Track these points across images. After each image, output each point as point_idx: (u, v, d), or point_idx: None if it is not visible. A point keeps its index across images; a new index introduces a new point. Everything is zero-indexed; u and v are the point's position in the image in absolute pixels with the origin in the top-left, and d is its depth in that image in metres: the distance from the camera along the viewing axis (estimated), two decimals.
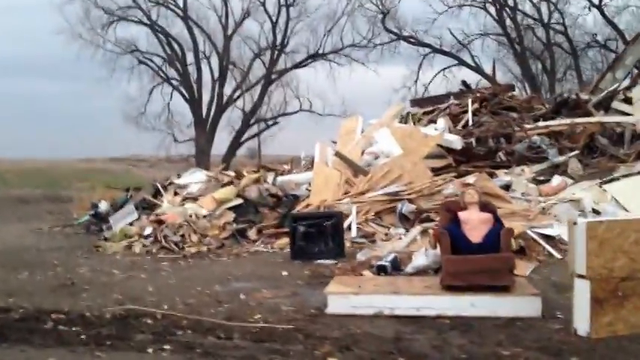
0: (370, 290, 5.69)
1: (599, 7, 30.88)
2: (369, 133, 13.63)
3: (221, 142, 34.35)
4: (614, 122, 11.95)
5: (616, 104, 12.52)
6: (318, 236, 9.04)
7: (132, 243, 10.96)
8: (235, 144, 34.81)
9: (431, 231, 5.95)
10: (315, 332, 5.09)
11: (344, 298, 5.61)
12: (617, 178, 10.31)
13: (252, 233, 11.27)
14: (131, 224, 12.29)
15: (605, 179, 10.32)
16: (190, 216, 11.57)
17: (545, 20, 32.98)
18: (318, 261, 8.70)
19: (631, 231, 4.78)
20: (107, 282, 7.74)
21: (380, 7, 32.79)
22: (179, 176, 15.33)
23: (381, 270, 7.37)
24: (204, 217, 11.74)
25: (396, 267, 7.53)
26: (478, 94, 14.47)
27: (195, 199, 12.89)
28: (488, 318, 5.31)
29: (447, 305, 5.42)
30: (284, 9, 33.47)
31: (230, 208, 12.06)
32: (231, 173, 14.03)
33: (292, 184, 13.19)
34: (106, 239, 11.63)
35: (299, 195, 12.39)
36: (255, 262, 9.10)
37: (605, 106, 12.65)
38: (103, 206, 14.27)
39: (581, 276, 4.76)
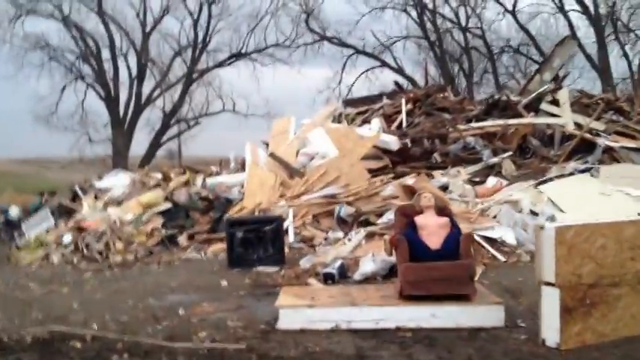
0: (325, 303, 5.30)
1: (513, 13, 31.96)
2: (302, 133, 13.25)
3: (139, 143, 33.04)
4: (544, 124, 12.15)
5: (545, 106, 12.75)
6: (258, 242, 8.56)
7: (49, 252, 10.06)
8: (155, 145, 33.55)
9: (386, 237, 5.65)
10: (270, 352, 4.64)
11: (297, 312, 5.19)
12: (552, 179, 10.43)
13: (182, 239, 10.64)
14: (47, 231, 11.34)
15: (540, 180, 10.41)
16: (114, 222, 10.77)
17: (464, 24, 33.80)
18: (258, 268, 8.22)
19: (598, 235, 4.63)
20: (24, 298, 6.96)
21: (303, 7, 32.55)
22: (100, 178, 14.39)
23: (328, 278, 7.00)
24: (130, 222, 10.98)
25: (343, 274, 7.18)
26: (411, 95, 14.41)
27: (118, 203, 12.06)
28: (450, 329, 5.04)
29: (407, 317, 5.11)
30: (205, 6, 32.59)
31: (158, 213, 11.35)
32: (158, 175, 13.25)
33: (223, 186, 12.61)
34: (18, 248, 10.65)
35: (232, 198, 11.84)
36: (189, 271, 8.51)
37: (534, 107, 12.87)
38: (14, 212, 13.12)
39: (549, 283, 4.57)
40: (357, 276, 7.05)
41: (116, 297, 6.89)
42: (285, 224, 10.13)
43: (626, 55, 31.64)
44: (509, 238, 8.72)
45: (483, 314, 5.11)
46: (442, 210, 5.76)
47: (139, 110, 32.79)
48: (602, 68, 29.93)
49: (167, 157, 36.59)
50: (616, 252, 4.69)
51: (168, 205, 11.42)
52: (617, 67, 31.42)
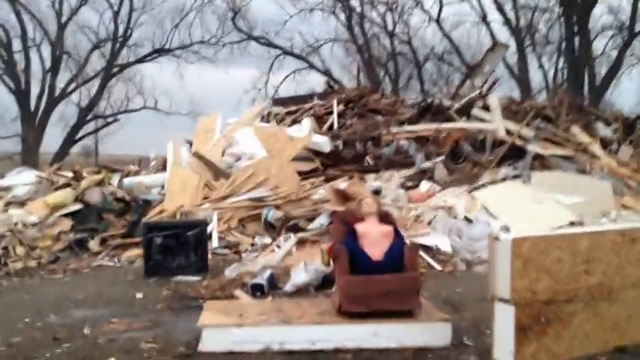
0: (255, 321, 4.68)
1: (437, 22, 32.41)
2: (229, 132, 12.55)
3: (52, 139, 31.05)
4: (476, 129, 12.03)
5: (476, 111, 12.65)
6: (178, 249, 7.82)
7: None
8: (69, 141, 31.65)
9: (323, 246, 5.12)
10: None
11: (223, 333, 4.55)
12: (484, 185, 10.25)
13: (94, 244, 9.71)
14: None
15: (473, 186, 10.21)
16: (16, 224, 9.69)
17: (391, 29, 33.97)
18: (178, 277, 7.50)
19: (553, 247, 4.27)
20: None
21: (230, 4, 31.68)
22: (2, 176, 13.10)
23: (256, 290, 6.39)
24: (34, 225, 9.93)
25: (273, 285, 6.60)
26: (343, 96, 14.00)
27: (22, 203, 10.93)
28: (393, 350, 4.55)
29: (346, 336, 4.57)
30: None
31: (67, 215, 10.34)
32: (68, 174, 12.17)
33: (142, 187, 11.73)
34: None
35: (151, 200, 10.99)
36: (99, 281, 7.67)
37: (466, 112, 12.75)
38: None
39: (503, 300, 4.16)
40: (288, 287, 6.48)
41: (10, 312, 6.00)
42: (209, 229, 9.43)
43: (542, 66, 32.77)
44: (445, 245, 8.41)
45: (429, 332, 4.65)
46: (385, 217, 5.28)
47: (52, 104, 30.86)
48: (521, 78, 30.80)
49: (83, 155, 34.74)
50: (570, 265, 4.35)
51: (78, 207, 10.43)
52: (535, 77, 32.47)
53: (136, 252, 8.97)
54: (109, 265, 8.79)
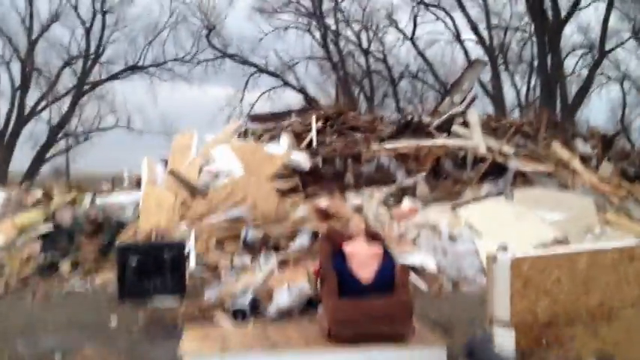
0: (240, 349, 4.41)
1: (412, 40, 32.67)
2: (206, 150, 12.25)
3: (21, 158, 30.32)
4: (456, 145, 11.93)
5: (456, 128, 12.57)
6: (154, 271, 7.48)
7: None
8: (39, 160, 30.97)
9: (310, 268, 4.87)
10: None
11: (206, 359, 4.27)
12: (468, 202, 10.12)
13: (65, 267, 9.30)
14: None
15: (456, 203, 10.07)
16: None
17: (366, 47, 34.11)
18: (155, 301, 7.16)
19: (553, 267, 4.11)
20: None
21: (205, 22, 31.50)
22: None
23: (238, 314, 6.10)
24: (1, 247, 9.51)
25: (256, 309, 6.32)
26: (322, 112, 13.81)
27: None
28: None
29: None
30: (99, 15, 30.72)
31: (36, 237, 9.93)
32: (38, 193, 11.74)
33: (115, 206, 11.33)
34: None
35: (124, 220, 10.61)
36: (71, 306, 7.30)
37: (445, 129, 12.66)
38: None
39: (503, 323, 3.96)
40: (271, 311, 6.20)
41: None
42: (186, 249, 9.11)
43: (514, 84, 33.20)
44: (430, 264, 8.22)
45: (424, 357, 4.43)
46: (374, 236, 5.06)
47: (21, 122, 30.21)
48: (495, 96, 31.09)
49: (54, 174, 33.98)
50: (570, 286, 4.19)
51: (48, 228, 10.02)
52: (508, 95, 32.83)
53: (110, 275, 8.60)
54: (81, 290, 8.41)
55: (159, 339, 5.57)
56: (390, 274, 4.70)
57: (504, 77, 32.30)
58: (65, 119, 31.39)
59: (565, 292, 4.14)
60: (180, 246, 7.94)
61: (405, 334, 4.52)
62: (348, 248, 4.88)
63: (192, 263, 8.99)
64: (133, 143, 32.18)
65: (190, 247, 9.23)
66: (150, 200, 10.50)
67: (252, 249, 9.46)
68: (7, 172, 28.82)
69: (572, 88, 30.42)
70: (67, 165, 35.16)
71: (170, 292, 7.37)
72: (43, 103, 30.96)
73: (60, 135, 31.95)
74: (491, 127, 13.34)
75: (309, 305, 6.34)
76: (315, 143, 12.57)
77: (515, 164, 11.24)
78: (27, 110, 30.21)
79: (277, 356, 4.31)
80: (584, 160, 12.20)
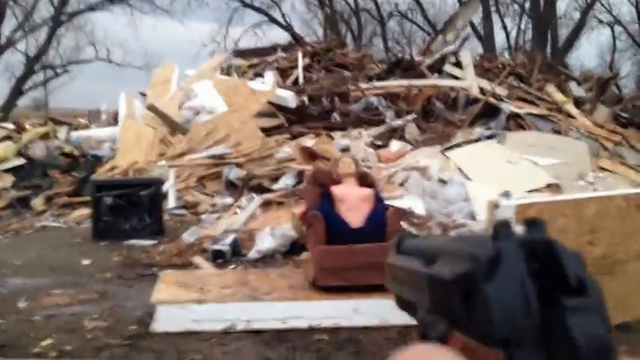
0: (218, 296, 4.09)
1: None
2: (187, 84, 11.70)
3: None
4: (448, 86, 11.50)
5: (448, 68, 12.11)
6: (131, 209, 7.12)
7: None
8: (16, 92, 29.91)
9: (295, 211, 4.52)
10: None
11: (181, 310, 3.95)
12: (459, 145, 9.78)
13: (38, 203, 8.92)
14: None
15: (446, 146, 9.72)
16: None
17: None
18: (131, 242, 6.82)
19: (559, 215, 3.79)
20: None
21: None
22: None
23: (218, 256, 5.78)
24: None
25: (237, 251, 5.99)
26: (309, 49, 13.22)
27: None
28: (375, 328, 4.03)
29: (322, 313, 4.03)
30: None
31: (8, 170, 9.47)
32: (10, 125, 11.19)
33: (92, 141, 10.88)
34: None
35: (101, 155, 10.19)
36: (43, 244, 6.93)
37: (437, 69, 12.19)
38: None
39: None
40: (252, 253, 5.88)
41: None
42: (165, 187, 8.74)
43: (505, 27, 32.40)
44: (419, 208, 7.92)
45: None
46: (364, 179, 4.71)
47: None
48: (486, 38, 30.36)
49: (33, 107, 32.99)
50: (576, 235, 3.88)
51: (21, 161, 9.56)
52: (498, 38, 32.06)
53: (85, 212, 8.24)
54: (54, 227, 8.04)
55: (133, 282, 5.24)
56: (381, 219, 4.37)
57: (495, 19, 31.47)
58: (42, 50, 30.19)
59: (570, 242, 3.83)
60: (158, 184, 7.54)
61: None
62: (337, 191, 4.53)
63: (171, 202, 8.65)
64: (114, 77, 31.29)
65: (170, 186, 8.87)
66: (128, 135, 10.04)
67: (235, 189, 9.13)
68: None
69: (562, 32, 29.79)
70: (46, 98, 34.18)
71: (147, 232, 7.04)
72: (19, 34, 29.70)
73: (37, 67, 30.82)
74: (484, 68, 12.91)
75: (292, 249, 6.06)
76: (301, 80, 12.08)
77: (508, 107, 10.87)
78: (3, 41, 28.98)
79: (258, 305, 4.00)
80: (578, 103, 11.85)
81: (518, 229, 0.28)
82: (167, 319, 3.94)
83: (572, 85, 12.74)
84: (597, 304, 0.25)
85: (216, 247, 5.84)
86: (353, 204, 4.44)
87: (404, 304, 0.36)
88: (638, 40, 31.43)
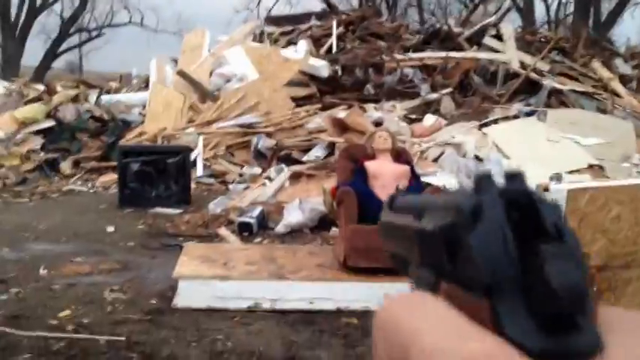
0: (242, 273, 3.90)
1: None
2: (218, 51, 11.46)
3: (34, 52, 29.40)
4: (487, 59, 11.04)
5: (488, 40, 11.63)
6: (158, 177, 6.98)
7: None
8: (51, 55, 30.04)
9: (327, 186, 4.28)
10: (159, 350, 3.22)
11: (204, 286, 3.78)
12: (496, 121, 9.39)
13: (66, 166, 8.87)
14: None
15: (483, 122, 9.34)
16: None
17: None
18: (157, 209, 6.69)
19: (614, 202, 3.48)
20: None
21: None
22: None
23: (244, 229, 5.60)
24: (0, 141, 9.02)
25: (264, 224, 5.81)
26: (344, 17, 12.82)
27: None
28: None
29: (352, 296, 3.82)
30: None
31: (37, 132, 9.42)
32: (40, 87, 11.13)
33: (122, 105, 10.76)
34: None
35: (130, 120, 10.08)
36: (68, 208, 6.85)
37: (476, 41, 11.71)
38: None
39: None
40: (280, 227, 5.69)
41: None
42: (193, 155, 8.59)
43: None
44: (453, 186, 7.61)
45: None
46: (400, 155, 4.44)
47: (32, 15, 29.06)
48: (526, 10, 29.40)
49: (67, 70, 33.22)
50: (631, 224, 3.57)
51: (50, 123, 9.49)
52: (538, 10, 30.96)
53: (112, 177, 8.14)
54: (81, 191, 7.97)
55: (157, 252, 5.10)
56: None
57: None
58: (77, 13, 30.24)
59: (625, 231, 3.54)
60: (186, 152, 7.37)
61: None
62: (371, 166, 4.28)
63: (199, 170, 8.51)
64: (149, 43, 31.12)
65: (198, 154, 8.72)
66: (157, 101, 9.87)
67: (264, 159, 8.94)
68: (19, 66, 28.07)
69: (604, 6, 28.63)
70: (80, 63, 34.38)
71: (173, 200, 6.90)
72: None
73: (72, 30, 30.89)
74: (526, 41, 12.38)
75: (321, 224, 5.86)
76: (334, 49, 11.73)
77: (550, 82, 10.39)
78: (38, 2, 29.03)
79: (284, 285, 3.80)
80: (625, 81, 11.29)
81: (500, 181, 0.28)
82: (189, 295, 3.77)
83: (618, 62, 12.14)
84: (573, 251, 0.26)
85: (243, 219, 5.66)
86: (387, 181, 4.18)
87: (396, 261, 0.35)
88: None
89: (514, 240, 0.27)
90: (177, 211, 6.64)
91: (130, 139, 9.26)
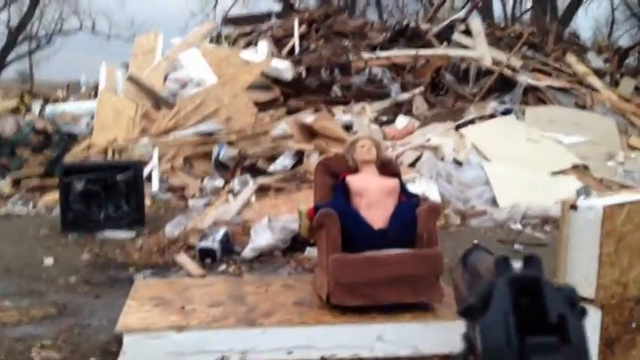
0: (204, 320, 3.18)
1: None
2: (173, 54, 10.66)
3: None
4: (458, 56, 10.52)
5: (457, 36, 11.12)
6: (106, 196, 6.17)
7: None
8: None
9: (302, 208, 3.61)
10: None
11: (156, 339, 3.04)
12: (473, 121, 8.85)
13: (4, 185, 7.99)
14: None
15: (459, 122, 8.79)
16: None
17: None
18: (106, 233, 5.89)
19: None
20: None
21: None
22: None
23: (206, 255, 4.87)
24: None
25: (228, 248, 5.09)
26: (306, 15, 12.15)
27: None
28: (405, 359, 3.16)
29: (338, 341, 3.15)
30: None
31: None
32: None
33: (68, 116, 9.86)
34: None
35: (77, 132, 9.20)
36: (3, 236, 5.99)
37: (446, 37, 11.19)
38: None
39: (585, 300, 2.77)
40: (247, 252, 4.98)
41: None
42: (148, 168, 7.81)
43: None
44: (434, 193, 7.02)
45: (453, 334, 3.25)
46: (386, 166, 3.78)
47: None
48: (484, 7, 29.23)
49: (19, 80, 31.75)
50: None
51: None
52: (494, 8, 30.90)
53: (56, 196, 7.24)
54: (20, 214, 7.09)
55: (103, 288, 4.34)
56: (410, 218, 3.45)
57: None
58: (25, 21, 28.89)
59: None
60: (138, 166, 6.57)
61: (430, 302, 3.34)
62: (354, 182, 3.61)
63: (154, 185, 7.73)
64: (101, 50, 29.98)
65: (153, 167, 7.94)
66: (106, 110, 9.03)
67: (226, 170, 8.22)
68: None
69: (561, 3, 28.71)
70: (31, 72, 32.94)
71: (125, 222, 6.09)
72: (1, 3, 28.36)
73: (20, 38, 29.52)
74: (496, 37, 11.92)
75: (294, 244, 5.17)
76: (297, 50, 11.06)
77: (525, 79, 9.92)
78: None
79: (256, 332, 3.09)
80: (598, 76, 10.91)
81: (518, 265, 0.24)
82: (138, 352, 3.03)
83: (591, 56, 11.78)
84: (565, 341, 0.31)
85: (204, 244, 4.93)
86: (375, 199, 3.52)
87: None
88: (637, 11, 30.43)
89: (516, 328, 0.38)
90: (130, 234, 5.85)
91: (77, 153, 8.42)
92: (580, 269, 2.75)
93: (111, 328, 3.41)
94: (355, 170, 3.69)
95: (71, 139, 8.92)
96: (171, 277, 4.53)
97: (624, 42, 31.13)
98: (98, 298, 4.14)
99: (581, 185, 4.41)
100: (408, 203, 3.55)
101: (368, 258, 3.28)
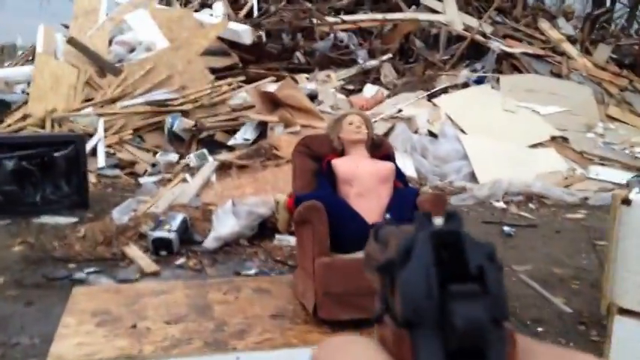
0: (160, 344, 2.54)
1: None
2: (118, 15, 9.70)
3: None
4: (427, 21, 9.92)
5: (426, 0, 10.51)
6: (43, 176, 5.38)
7: None
8: None
9: (280, 197, 2.97)
10: None
11: None
12: (445, 90, 8.33)
13: None
14: None
15: (431, 91, 8.25)
16: None
17: None
18: (43, 218, 5.14)
19: None
20: None
21: None
22: None
23: (161, 246, 4.20)
24: None
25: (187, 237, 4.42)
26: None
27: None
28: None
29: None
30: None
31: None
32: None
33: (1, 82, 8.88)
34: None
35: (12, 101, 8.27)
36: None
37: (414, 1, 10.57)
38: None
39: (631, 313, 2.26)
40: (209, 241, 4.32)
41: None
42: (92, 142, 7.03)
43: None
44: (409, 169, 6.48)
45: None
46: (378, 147, 3.17)
47: None
48: None
49: None
50: None
51: None
52: None
53: None
54: None
55: (36, 291, 3.63)
56: (409, 209, 2.87)
57: None
58: None
59: None
60: (80, 140, 5.77)
61: None
62: (342, 166, 2.99)
63: (100, 161, 6.96)
64: (41, 10, 28.09)
65: (99, 140, 7.15)
66: (44, 76, 8.10)
67: (180, 143, 7.50)
68: None
69: None
70: None
71: (65, 205, 5.35)
72: None
73: None
74: (464, 1, 11.36)
75: (262, 231, 4.56)
76: (256, 12, 10.26)
77: (498, 45, 9.42)
78: None
79: (226, 357, 2.47)
80: (571, 42, 10.51)
81: (438, 220, 0.32)
82: None
83: (561, 22, 11.37)
84: (485, 291, 0.29)
85: (159, 233, 4.24)
86: (367, 187, 2.91)
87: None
88: None
89: (437, 278, 0.29)
90: (71, 219, 5.12)
91: (11, 125, 7.52)
92: (635, 277, 2.22)
93: (44, 346, 2.75)
94: (342, 152, 3.07)
95: (5, 108, 7.98)
96: (119, 275, 3.85)
97: (579, 8, 31.15)
98: (30, 305, 3.44)
99: (633, 175, 3.77)
100: (405, 192, 2.96)
101: (361, 261, 2.69)
